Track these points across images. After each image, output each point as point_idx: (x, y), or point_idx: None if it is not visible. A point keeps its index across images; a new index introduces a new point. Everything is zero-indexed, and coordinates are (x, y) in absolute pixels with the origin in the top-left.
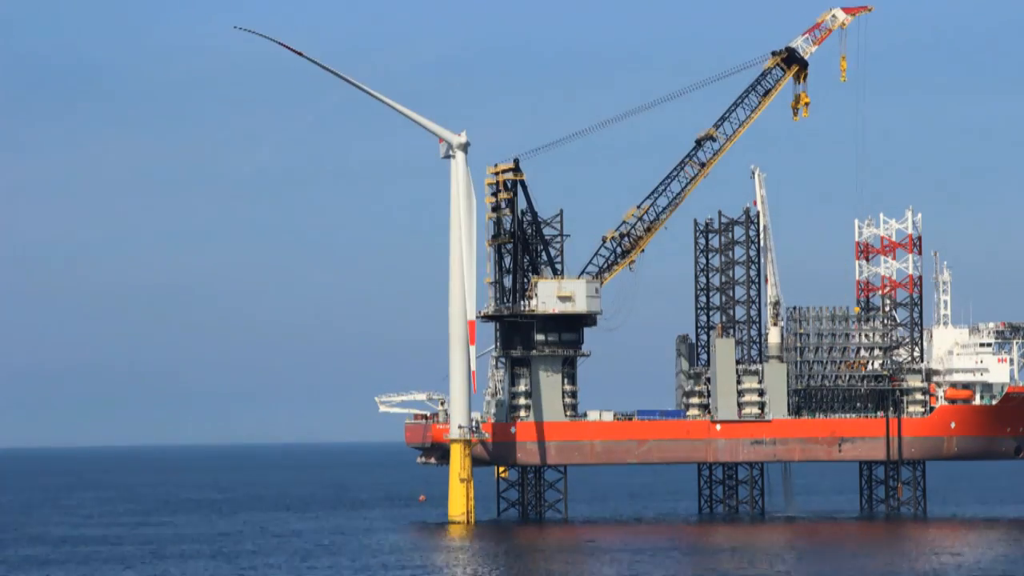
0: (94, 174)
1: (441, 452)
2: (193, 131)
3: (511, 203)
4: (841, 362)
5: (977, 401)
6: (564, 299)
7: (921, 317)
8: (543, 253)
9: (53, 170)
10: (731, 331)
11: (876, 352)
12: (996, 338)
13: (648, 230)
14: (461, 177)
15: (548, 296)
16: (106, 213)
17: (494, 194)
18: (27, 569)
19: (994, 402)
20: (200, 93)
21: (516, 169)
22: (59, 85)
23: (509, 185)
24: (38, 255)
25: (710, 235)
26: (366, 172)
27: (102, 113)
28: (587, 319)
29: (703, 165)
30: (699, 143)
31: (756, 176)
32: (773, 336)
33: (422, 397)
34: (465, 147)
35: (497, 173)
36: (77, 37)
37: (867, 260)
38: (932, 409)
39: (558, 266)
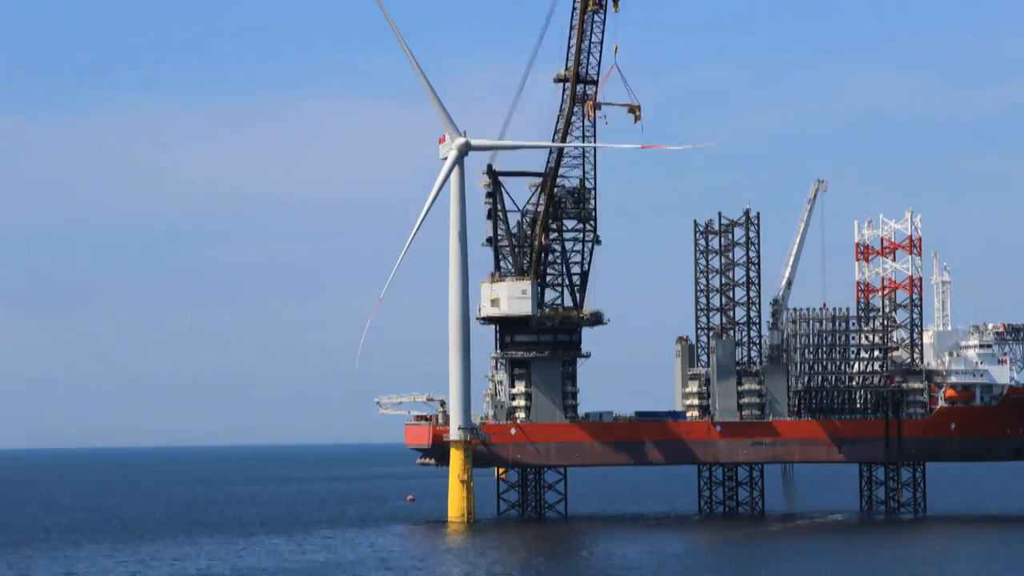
0: None
1: (441, 453)
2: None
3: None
4: (841, 363)
5: (977, 402)
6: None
7: (921, 318)
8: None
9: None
10: (731, 332)
11: (876, 353)
12: (996, 339)
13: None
14: (445, 171)
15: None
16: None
17: (489, 195)
18: None
19: (994, 403)
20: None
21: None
22: None
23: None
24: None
25: (710, 236)
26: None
27: None
28: (592, 319)
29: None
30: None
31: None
32: (773, 338)
33: (422, 399)
34: (464, 148)
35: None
36: None
37: (867, 261)
38: (932, 410)
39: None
